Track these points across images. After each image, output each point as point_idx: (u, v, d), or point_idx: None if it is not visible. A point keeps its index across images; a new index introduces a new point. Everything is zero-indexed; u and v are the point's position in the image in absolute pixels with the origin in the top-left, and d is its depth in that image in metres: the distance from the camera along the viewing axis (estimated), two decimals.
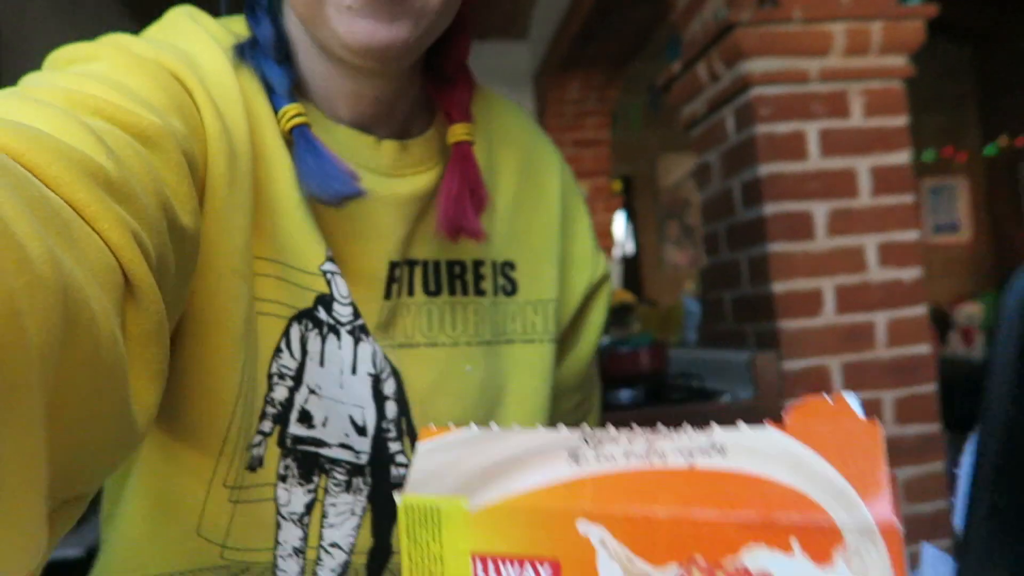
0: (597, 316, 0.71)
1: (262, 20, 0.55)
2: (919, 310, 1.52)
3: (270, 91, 0.54)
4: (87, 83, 0.41)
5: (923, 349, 1.52)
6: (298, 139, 0.53)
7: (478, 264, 0.63)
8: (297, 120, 0.53)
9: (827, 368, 1.49)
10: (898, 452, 1.50)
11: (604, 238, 3.65)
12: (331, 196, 0.52)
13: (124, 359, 0.30)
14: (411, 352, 0.59)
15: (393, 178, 0.58)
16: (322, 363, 0.54)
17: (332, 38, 0.50)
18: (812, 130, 1.51)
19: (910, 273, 1.52)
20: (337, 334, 0.55)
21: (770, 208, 1.48)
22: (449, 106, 0.61)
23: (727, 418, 1.37)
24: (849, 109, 1.52)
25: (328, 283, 0.55)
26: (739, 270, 1.60)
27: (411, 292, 0.60)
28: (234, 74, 0.52)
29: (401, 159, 0.58)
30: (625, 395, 1.57)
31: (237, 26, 0.57)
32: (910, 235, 1.53)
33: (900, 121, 1.54)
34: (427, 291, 0.60)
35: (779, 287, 1.48)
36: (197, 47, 0.53)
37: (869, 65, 1.53)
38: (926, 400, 1.52)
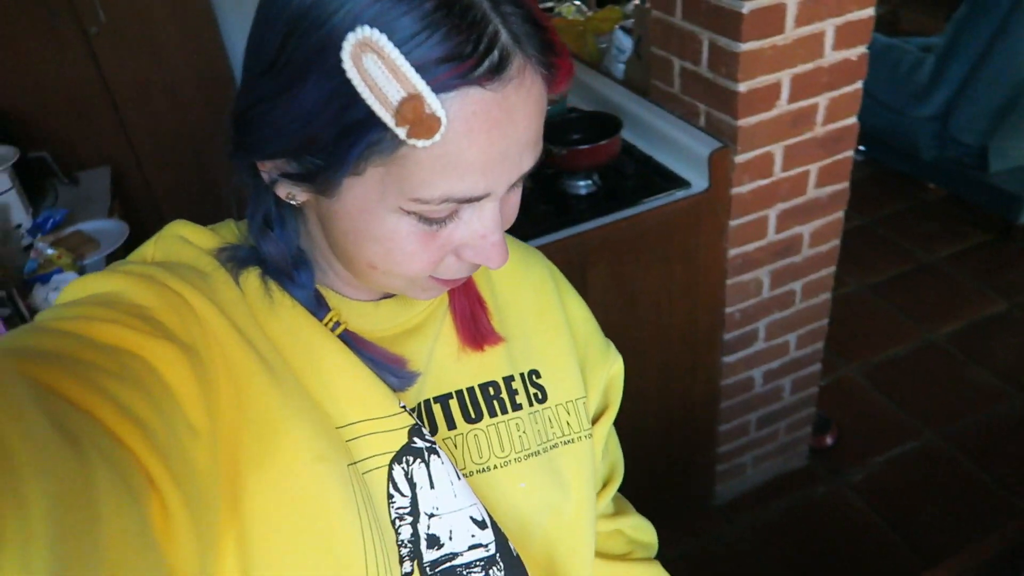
0: (613, 407, 0.77)
1: (273, 240, 0.57)
2: (857, 85, 1.61)
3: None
4: (98, 310, 0.46)
5: (851, 121, 1.65)
6: (346, 340, 0.58)
7: (508, 380, 0.67)
8: (339, 331, 0.58)
9: (771, 154, 1.60)
10: (812, 209, 1.74)
11: None
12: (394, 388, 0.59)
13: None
14: (470, 481, 0.62)
15: (400, 334, 0.62)
16: (432, 485, 0.58)
17: (391, 289, 0.56)
18: None
19: (858, 51, 1.56)
20: (436, 452, 0.59)
21: (749, 5, 1.40)
22: None
23: (685, 212, 1.51)
24: None
25: (411, 413, 0.59)
26: (699, 48, 1.55)
27: (452, 426, 0.63)
28: (237, 289, 0.55)
29: (400, 312, 0.63)
30: (583, 185, 1.63)
31: (226, 233, 0.60)
32: (867, 12, 1.52)
33: None
34: (468, 419, 0.64)
35: (744, 86, 1.49)
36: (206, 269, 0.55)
37: None
38: (843, 164, 1.71)
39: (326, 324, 0.57)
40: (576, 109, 1.87)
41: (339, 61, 0.42)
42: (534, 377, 0.68)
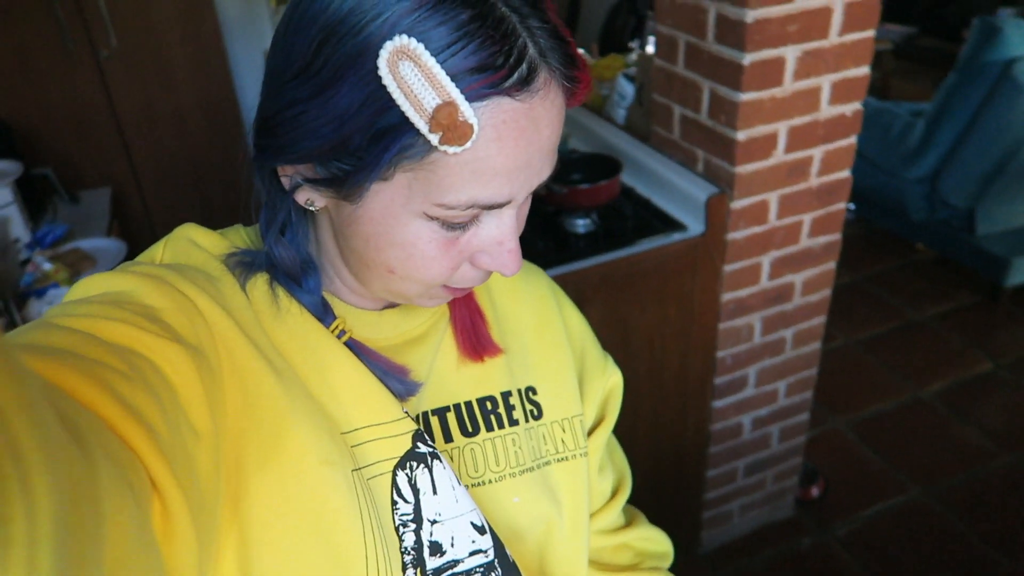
0: (610, 419, 0.77)
1: (285, 245, 0.57)
2: (851, 140, 1.65)
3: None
4: (107, 309, 0.45)
5: (845, 174, 1.69)
6: (351, 348, 0.59)
7: (506, 395, 0.67)
8: (345, 338, 0.59)
9: (767, 202, 1.64)
10: (805, 258, 1.77)
11: None
12: (397, 396, 0.59)
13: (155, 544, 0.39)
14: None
15: (401, 344, 0.63)
16: (435, 491, 0.58)
17: (403, 296, 0.57)
18: None
19: (852, 107, 1.61)
20: (438, 457, 0.59)
21: (750, 57, 1.45)
22: None
23: (681, 255, 1.54)
24: None
25: (415, 419, 0.60)
26: (700, 96, 1.60)
27: (448, 439, 0.63)
28: (244, 295, 0.55)
29: (402, 321, 0.63)
30: (582, 224, 1.66)
31: (235, 237, 0.60)
32: (862, 70, 1.58)
33: None
34: (465, 433, 0.64)
35: (743, 134, 1.53)
36: (213, 273, 0.56)
37: None
38: (836, 216, 1.75)
39: (332, 331, 0.58)
40: (578, 151, 1.91)
41: (375, 67, 0.44)
42: (530, 394, 0.68)
